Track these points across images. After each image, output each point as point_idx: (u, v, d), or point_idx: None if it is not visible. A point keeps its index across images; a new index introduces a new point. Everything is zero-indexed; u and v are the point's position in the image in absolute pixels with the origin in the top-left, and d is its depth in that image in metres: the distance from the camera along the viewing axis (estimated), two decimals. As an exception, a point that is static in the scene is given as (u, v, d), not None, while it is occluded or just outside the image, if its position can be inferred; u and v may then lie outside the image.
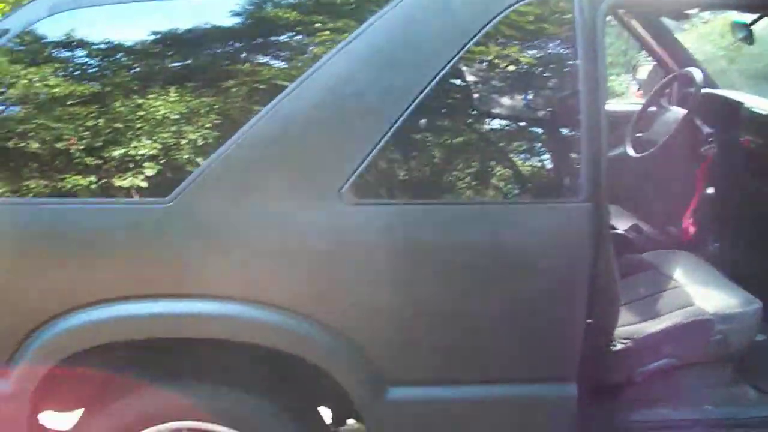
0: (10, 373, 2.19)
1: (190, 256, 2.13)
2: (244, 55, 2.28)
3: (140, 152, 2.12)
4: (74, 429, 2.43)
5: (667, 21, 3.85)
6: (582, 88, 2.12)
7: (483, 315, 2.16)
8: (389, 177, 2.21)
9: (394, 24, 2.14)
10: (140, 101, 2.17)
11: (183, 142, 2.13)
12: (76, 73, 2.27)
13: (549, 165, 2.30)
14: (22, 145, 2.18)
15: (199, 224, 2.11)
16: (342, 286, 2.14)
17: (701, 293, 2.75)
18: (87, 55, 2.27)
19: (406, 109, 2.09)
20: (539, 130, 2.33)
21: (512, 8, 2.14)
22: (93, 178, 2.14)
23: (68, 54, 2.29)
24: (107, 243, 2.13)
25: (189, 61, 2.27)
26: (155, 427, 2.28)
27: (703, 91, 3.25)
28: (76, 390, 2.41)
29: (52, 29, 2.25)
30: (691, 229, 3.25)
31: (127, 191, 2.12)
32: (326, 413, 2.64)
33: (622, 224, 3.43)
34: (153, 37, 2.25)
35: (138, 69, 2.25)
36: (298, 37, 2.26)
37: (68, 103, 2.19)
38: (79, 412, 2.50)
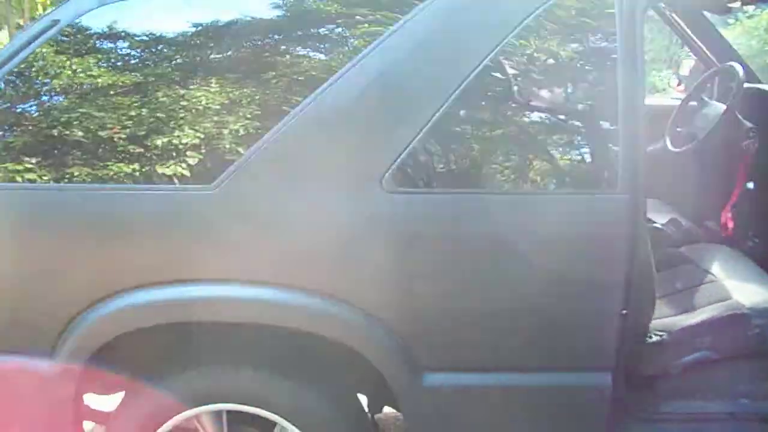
0: (57, 354, 2.25)
1: (234, 243, 2.16)
2: (286, 47, 2.32)
3: (184, 141, 2.17)
4: (116, 410, 2.48)
5: (710, 16, 3.82)
6: (621, 81, 2.13)
7: (519, 303, 2.18)
8: (428, 167, 2.24)
9: (436, 17, 2.17)
10: (187, 91, 2.22)
11: (226, 131, 2.18)
12: (134, 62, 2.33)
13: (587, 157, 2.32)
14: (73, 133, 2.23)
15: (242, 211, 2.15)
16: (381, 273, 2.16)
17: (739, 287, 2.74)
18: (139, 46, 2.33)
19: (446, 101, 2.12)
20: (577, 122, 2.34)
21: (553, 1, 2.16)
22: (140, 166, 2.19)
23: (118, 44, 2.35)
24: (153, 228, 2.18)
25: (233, 53, 2.31)
26: (195, 409, 2.33)
27: (745, 85, 3.24)
28: (118, 373, 2.43)
29: (100, 20, 2.31)
30: (730, 224, 3.24)
31: (172, 178, 2.17)
32: (363, 400, 2.66)
33: (660, 218, 3.41)
34: (200, 29, 2.30)
35: (182, 60, 2.30)
36: (341, 30, 2.30)
37: (120, 92, 2.25)
38: (121, 395, 2.55)
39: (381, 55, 2.15)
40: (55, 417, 2.38)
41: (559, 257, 2.15)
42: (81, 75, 2.29)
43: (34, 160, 2.24)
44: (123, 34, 2.32)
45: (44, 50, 2.30)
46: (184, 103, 2.21)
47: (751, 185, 3.26)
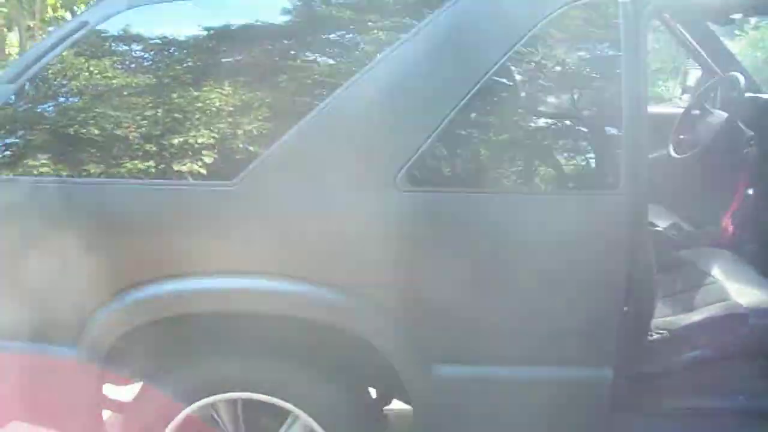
0: (80, 344, 2.32)
1: (252, 237, 2.24)
2: (307, 51, 2.39)
3: (205, 139, 2.25)
4: (134, 399, 2.55)
5: (716, 28, 3.88)
6: (625, 87, 2.20)
7: (525, 298, 2.24)
8: (440, 167, 2.31)
9: (450, 24, 2.24)
10: (211, 92, 2.29)
11: (248, 130, 2.25)
12: (164, 64, 2.38)
13: (591, 159, 2.37)
14: (104, 131, 2.31)
15: (261, 206, 2.23)
16: (394, 268, 2.23)
17: (738, 289, 2.80)
18: (169, 48, 2.40)
19: (457, 105, 2.19)
20: (583, 125, 2.40)
21: (560, 10, 2.23)
22: (165, 162, 2.26)
23: (149, 46, 2.41)
24: (175, 222, 2.26)
25: (256, 56, 2.37)
26: (212, 397, 2.39)
27: (746, 95, 3.31)
28: (137, 363, 2.51)
29: (130, 22, 2.38)
30: (730, 229, 3.30)
31: (196, 174, 2.24)
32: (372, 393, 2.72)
33: (662, 222, 3.47)
34: (228, 32, 2.39)
35: (206, 62, 2.37)
36: (358, 36, 2.37)
37: (143, 92, 2.33)
38: (138, 385, 2.61)
39: (396, 60, 2.22)
40: (76, 405, 2.45)
41: (565, 254, 2.21)
42: (109, 76, 2.36)
43: (63, 155, 2.32)
44: (154, 36, 2.40)
45: (72, 52, 2.38)
46: (207, 102, 2.29)
47: (751, 192, 3.31)
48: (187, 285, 2.26)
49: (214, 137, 2.25)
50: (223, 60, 2.38)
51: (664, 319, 2.69)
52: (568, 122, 2.39)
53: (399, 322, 2.26)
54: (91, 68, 2.39)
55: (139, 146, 2.29)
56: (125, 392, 2.82)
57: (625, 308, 2.25)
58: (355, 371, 2.48)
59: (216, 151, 2.25)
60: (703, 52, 3.84)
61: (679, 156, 3.46)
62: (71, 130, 2.32)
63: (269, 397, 2.37)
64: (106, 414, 2.66)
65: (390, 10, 2.36)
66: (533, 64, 2.32)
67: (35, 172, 2.31)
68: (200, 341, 2.41)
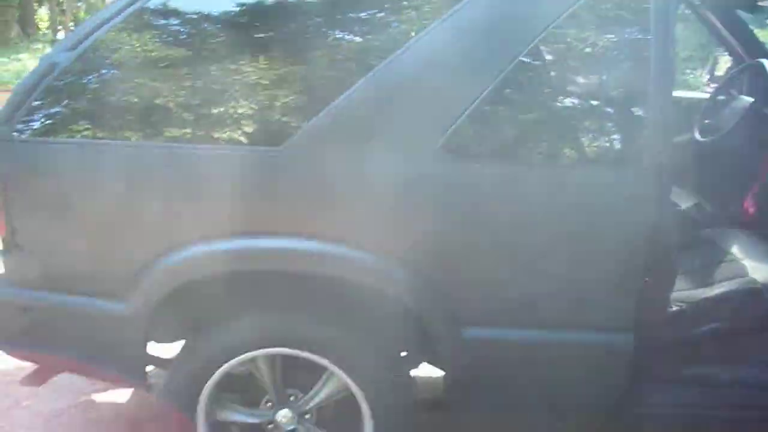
0: (130, 298, 2.43)
1: (300, 200, 2.34)
2: (357, 25, 2.51)
3: (257, 105, 2.39)
4: (179, 353, 2.65)
5: (745, 16, 3.90)
6: (652, 67, 2.29)
7: (553, 266, 2.34)
8: (477, 138, 2.39)
9: (487, 5, 2.35)
10: (262, 62, 2.42)
11: (297, 98, 2.39)
12: (225, 36, 2.52)
13: (618, 135, 2.47)
14: (163, 97, 2.43)
15: (308, 171, 2.32)
16: (432, 233, 2.33)
17: (756, 267, 2.89)
18: (230, 21, 2.52)
19: (494, 80, 2.30)
20: (611, 103, 2.49)
21: None
22: (219, 127, 2.39)
23: (209, 18, 2.54)
24: (226, 185, 2.35)
25: (311, 28, 2.49)
26: (253, 352, 2.50)
27: None
28: (183, 318, 2.61)
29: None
30: (751, 210, 3.36)
31: (246, 138, 2.36)
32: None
33: (685, 203, 3.55)
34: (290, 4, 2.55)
35: (259, 34, 2.52)
36: (409, 12, 2.49)
37: (201, 63, 2.46)
38: (180, 343, 2.72)
39: (439, 34, 2.33)
40: (123, 359, 2.55)
41: (591, 224, 2.32)
42: (168, 46, 2.51)
43: (124, 119, 2.44)
44: (214, 8, 2.52)
45: (130, 24, 2.50)
46: (259, 72, 2.40)
47: None
48: (237, 244, 2.36)
49: (263, 105, 2.39)
50: (277, 30, 2.51)
51: (683, 292, 2.78)
52: (599, 98, 2.49)
53: (435, 287, 2.36)
54: (153, 40, 2.52)
55: (207, 113, 2.42)
56: (167, 350, 2.93)
57: (646, 279, 2.35)
58: (390, 333, 2.56)
59: (264, 117, 2.40)
60: (732, 40, 3.86)
61: (704, 139, 3.52)
62: (141, 96, 2.45)
63: (308, 353, 2.47)
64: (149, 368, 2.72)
65: None
66: (565, 44, 2.43)
67: (99, 134, 2.44)
68: (246, 298, 2.50)
